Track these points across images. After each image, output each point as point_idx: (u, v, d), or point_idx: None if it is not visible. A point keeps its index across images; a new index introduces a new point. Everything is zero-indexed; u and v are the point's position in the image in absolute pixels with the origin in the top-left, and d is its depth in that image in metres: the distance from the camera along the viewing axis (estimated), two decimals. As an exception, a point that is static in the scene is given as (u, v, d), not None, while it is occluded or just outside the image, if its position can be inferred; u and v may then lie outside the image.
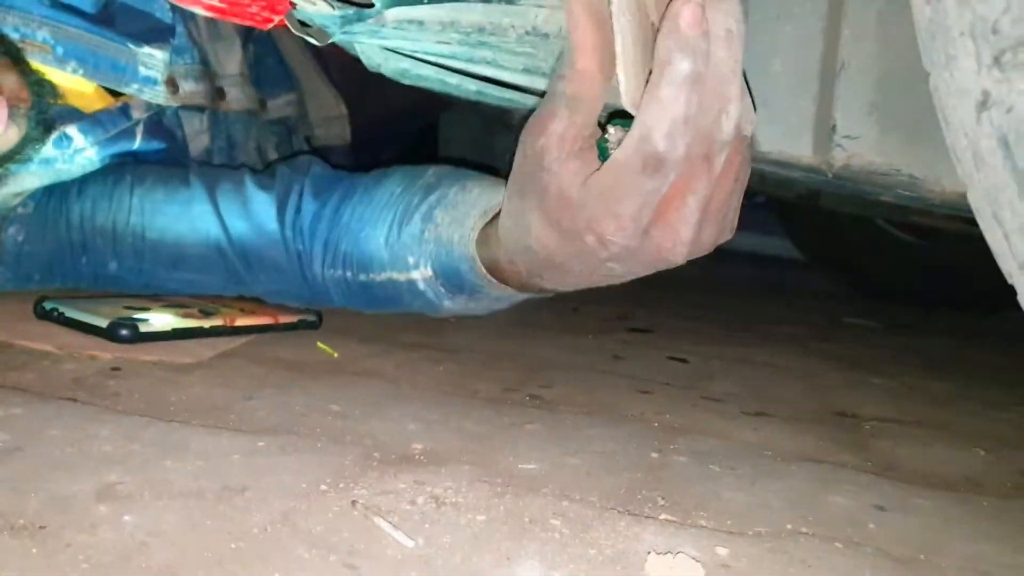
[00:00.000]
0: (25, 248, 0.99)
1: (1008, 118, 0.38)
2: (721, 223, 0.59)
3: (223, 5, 0.76)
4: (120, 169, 1.01)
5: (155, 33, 1.01)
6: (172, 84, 1.03)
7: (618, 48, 0.51)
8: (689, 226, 0.55)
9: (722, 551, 0.53)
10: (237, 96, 1.15)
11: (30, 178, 0.96)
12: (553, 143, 0.56)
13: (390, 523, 0.51)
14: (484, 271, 0.72)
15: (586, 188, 0.55)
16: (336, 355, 0.92)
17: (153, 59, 0.99)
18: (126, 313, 0.85)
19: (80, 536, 0.45)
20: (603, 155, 0.55)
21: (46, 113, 0.87)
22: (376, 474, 0.58)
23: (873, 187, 0.88)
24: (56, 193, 0.99)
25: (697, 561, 0.50)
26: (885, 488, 0.71)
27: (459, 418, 0.75)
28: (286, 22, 0.74)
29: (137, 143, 1.02)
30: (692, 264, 0.62)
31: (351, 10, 0.69)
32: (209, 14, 0.77)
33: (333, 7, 0.68)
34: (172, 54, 1.02)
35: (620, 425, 0.79)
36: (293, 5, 0.70)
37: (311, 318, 0.99)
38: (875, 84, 0.78)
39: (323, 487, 0.55)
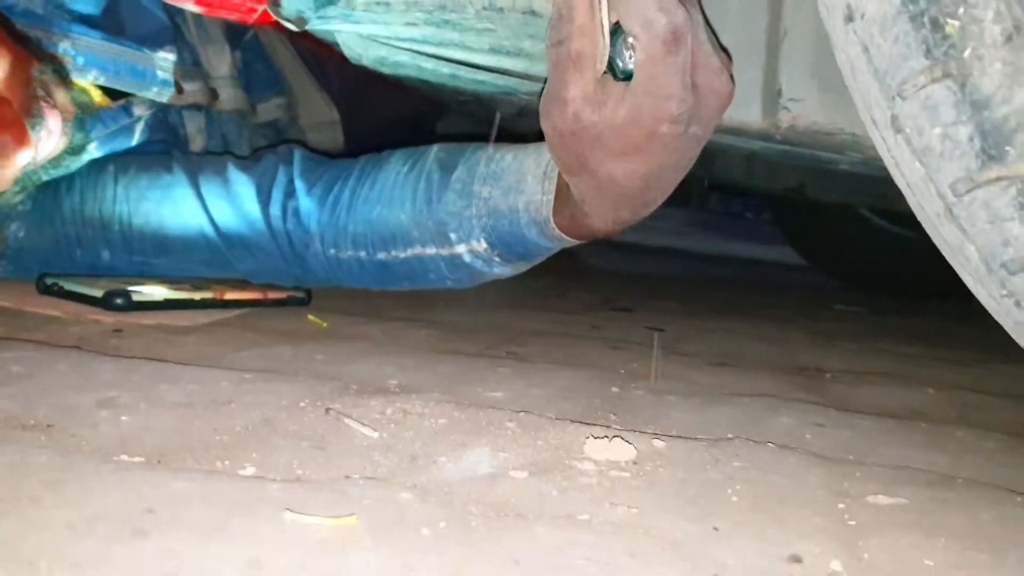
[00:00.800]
0: (25, 243, 1.05)
1: (864, 24, 0.44)
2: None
3: (211, -2, 0.82)
4: (103, 161, 1.07)
5: (162, 35, 1.08)
6: (177, 85, 1.10)
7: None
8: (714, 56, 0.61)
9: (659, 443, 0.59)
10: (229, 96, 1.22)
11: (36, 175, 1.03)
12: (580, 106, 0.60)
13: (359, 422, 0.57)
14: (558, 230, 0.76)
15: (630, 94, 0.59)
16: (325, 325, 0.98)
17: (167, 62, 1.07)
18: (121, 285, 0.92)
19: (82, 430, 0.52)
20: (624, 75, 0.60)
21: (85, 124, 0.95)
22: (352, 397, 0.65)
23: (821, 148, 0.94)
24: (50, 189, 1.06)
25: (632, 446, 0.56)
26: (830, 413, 0.76)
27: (435, 363, 0.81)
28: (268, 10, 0.80)
29: (135, 139, 1.09)
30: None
31: None
32: (199, 9, 0.84)
33: None
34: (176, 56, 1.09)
35: (587, 370, 0.85)
36: (276, 3, 0.77)
37: (300, 295, 1.04)
38: (814, 48, 0.83)
39: (301, 404, 0.61)
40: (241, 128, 1.25)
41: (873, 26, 0.43)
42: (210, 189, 1.02)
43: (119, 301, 0.88)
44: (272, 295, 1.02)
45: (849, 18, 0.46)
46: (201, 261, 1.03)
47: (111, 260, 1.04)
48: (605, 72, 0.60)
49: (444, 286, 0.91)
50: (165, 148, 1.12)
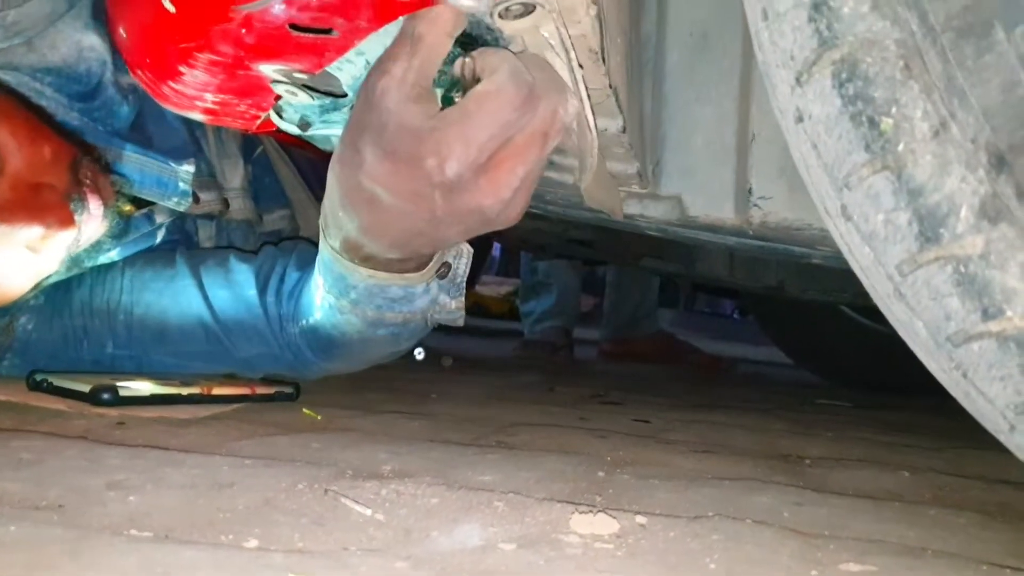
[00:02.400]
0: (34, 336, 1.10)
1: (812, 123, 0.49)
2: (525, 200, 0.68)
3: (216, 107, 0.87)
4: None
5: (184, 148, 1.16)
6: (194, 195, 1.17)
7: (583, 92, 0.64)
8: (511, 189, 0.65)
9: (641, 519, 0.62)
10: (240, 207, 1.29)
11: (54, 273, 1.08)
12: (393, 85, 0.63)
13: (355, 501, 0.60)
14: (327, 246, 0.81)
15: (438, 118, 0.63)
16: (319, 418, 1.01)
17: (187, 174, 1.15)
18: (109, 381, 0.94)
19: (93, 508, 0.54)
20: (447, 103, 0.64)
21: (123, 210, 1.01)
22: (348, 481, 0.67)
23: (792, 242, 0.99)
24: (60, 284, 1.11)
25: (616, 521, 0.59)
26: (808, 494, 0.79)
27: (427, 451, 0.84)
28: (271, 118, 0.85)
29: (157, 243, 1.15)
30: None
31: (327, 100, 0.81)
32: (205, 117, 0.89)
33: (312, 97, 0.80)
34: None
35: (574, 456, 0.88)
36: (279, 98, 0.82)
37: (288, 390, 1.07)
38: (781, 150, 0.89)
39: (300, 486, 0.64)
40: (248, 235, 1.31)
41: (819, 125, 0.48)
42: (211, 278, 1.07)
43: (106, 396, 0.91)
44: (260, 390, 1.05)
45: (799, 119, 0.51)
46: (199, 351, 1.07)
47: (114, 352, 1.08)
48: (439, 88, 0.65)
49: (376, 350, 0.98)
50: (173, 247, 1.18)
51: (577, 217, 1.29)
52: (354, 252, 0.79)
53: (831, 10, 0.45)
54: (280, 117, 0.81)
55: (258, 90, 0.78)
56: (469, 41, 0.66)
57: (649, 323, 2.77)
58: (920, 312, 0.48)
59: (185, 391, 0.98)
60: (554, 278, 2.65)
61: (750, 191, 0.91)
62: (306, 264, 1.04)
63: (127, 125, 1.11)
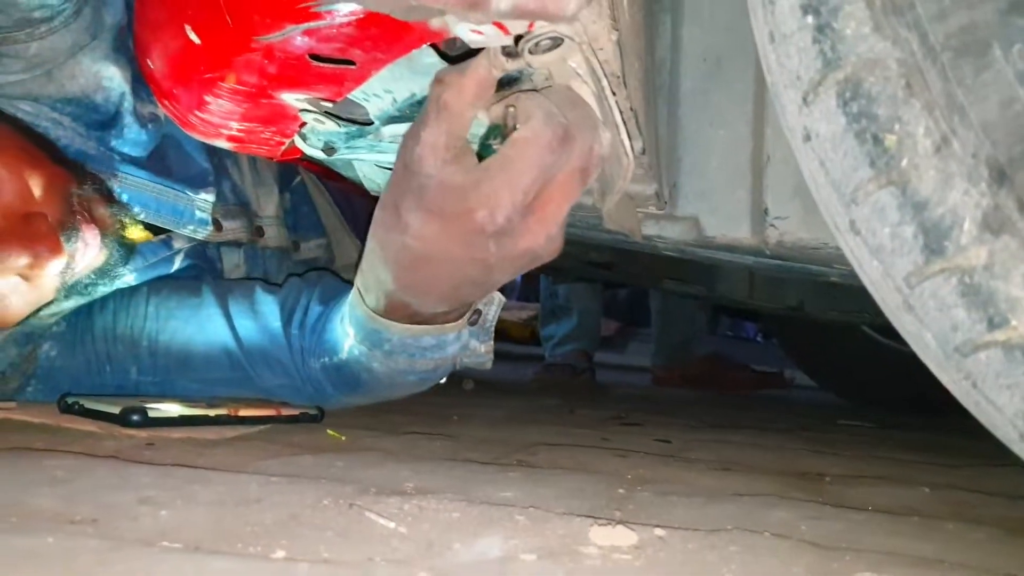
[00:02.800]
0: (57, 363, 1.12)
1: (819, 142, 0.51)
2: (563, 233, 0.71)
3: (241, 135, 0.90)
4: (137, 284, 1.15)
5: (203, 177, 1.19)
6: (216, 223, 1.20)
7: (617, 118, 0.66)
8: (557, 225, 0.68)
9: (660, 532, 0.63)
10: (274, 234, 1.32)
11: (71, 300, 1.10)
12: (427, 152, 0.66)
13: (379, 515, 0.61)
14: (364, 306, 0.85)
15: (480, 170, 0.65)
16: (343, 438, 1.02)
17: (206, 203, 1.18)
18: (138, 403, 0.97)
19: (125, 523, 0.56)
20: (486, 150, 0.67)
21: (125, 238, 1.03)
22: (371, 497, 0.69)
23: (809, 261, 1.00)
24: (82, 311, 1.13)
25: (634, 533, 0.60)
26: (826, 510, 0.80)
27: (449, 469, 0.85)
28: (296, 141, 0.88)
29: (174, 268, 1.17)
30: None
31: (354, 127, 0.83)
32: (230, 145, 0.91)
33: (339, 124, 0.82)
34: (216, 196, 1.19)
35: (594, 475, 0.89)
36: (303, 125, 0.84)
37: (313, 411, 1.09)
38: (796, 171, 0.89)
39: (325, 502, 0.66)
40: (282, 263, 1.33)
41: (826, 143, 0.50)
42: (237, 308, 1.09)
43: (135, 418, 0.93)
44: (285, 412, 1.07)
45: (807, 138, 0.52)
46: (221, 379, 1.08)
47: (137, 378, 1.10)
48: (472, 143, 0.67)
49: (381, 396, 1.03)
50: (198, 275, 1.20)
51: (595, 239, 1.30)
52: (399, 311, 0.83)
53: (834, 32, 0.46)
54: (305, 142, 0.83)
55: (282, 118, 0.80)
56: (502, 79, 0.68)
57: (699, 347, 2.77)
58: (928, 323, 0.49)
59: (212, 412, 1.00)
60: (574, 301, 2.66)
61: (766, 211, 0.91)
62: (330, 298, 1.05)
63: (146, 154, 1.13)
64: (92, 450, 0.81)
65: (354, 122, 0.82)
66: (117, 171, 1.08)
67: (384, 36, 0.65)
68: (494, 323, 0.93)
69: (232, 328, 1.09)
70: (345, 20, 0.64)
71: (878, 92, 0.45)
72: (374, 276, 0.81)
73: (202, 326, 1.09)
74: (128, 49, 1.08)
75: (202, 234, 1.18)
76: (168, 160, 1.16)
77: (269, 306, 1.09)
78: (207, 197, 1.17)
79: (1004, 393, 0.47)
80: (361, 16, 0.64)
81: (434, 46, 0.69)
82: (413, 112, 0.75)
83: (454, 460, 0.92)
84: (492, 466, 0.89)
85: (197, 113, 0.83)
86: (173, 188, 1.14)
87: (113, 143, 1.10)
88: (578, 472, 0.90)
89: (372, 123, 0.81)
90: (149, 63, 0.84)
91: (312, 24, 0.64)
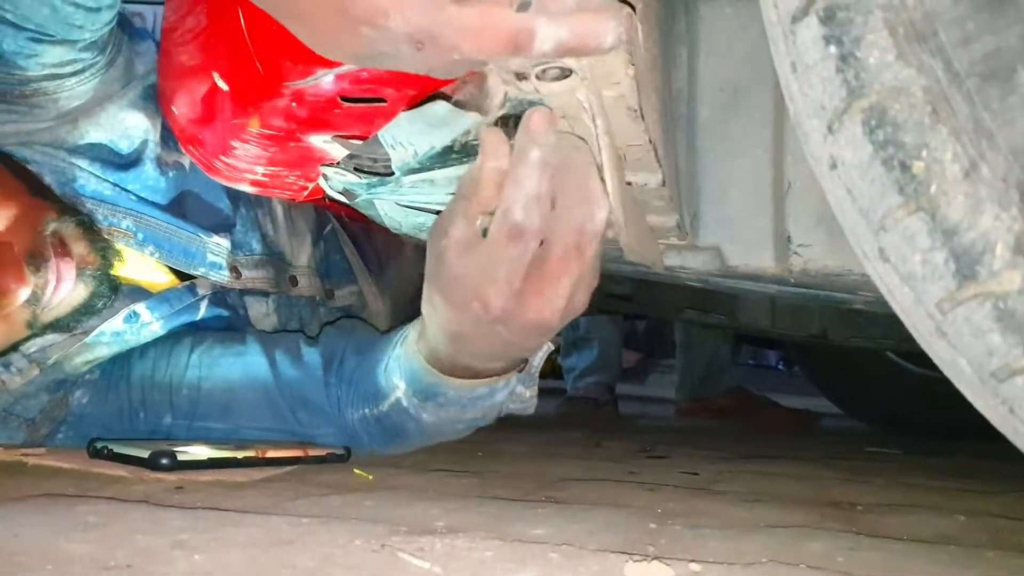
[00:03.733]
0: (88, 409, 1.13)
1: (845, 169, 0.51)
2: (586, 294, 0.72)
3: (265, 179, 0.91)
4: (179, 334, 1.16)
5: (222, 223, 1.20)
6: (235, 271, 1.21)
7: (604, 159, 0.65)
8: (563, 298, 0.69)
9: (695, 567, 0.62)
10: (307, 284, 1.33)
11: (102, 348, 1.11)
12: (452, 245, 0.69)
13: (412, 555, 0.61)
14: (423, 360, 0.87)
15: (468, 263, 0.68)
16: (371, 478, 1.02)
17: (220, 247, 1.19)
18: (167, 447, 0.97)
19: (160, 567, 0.56)
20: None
21: (110, 276, 1.04)
22: (402, 536, 0.69)
23: (834, 288, 1.00)
24: (119, 358, 1.14)
25: (670, 568, 0.60)
26: (862, 540, 0.79)
27: (478, 506, 0.85)
28: (320, 182, 0.88)
29: (200, 315, 1.18)
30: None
31: (375, 178, 0.84)
32: (254, 189, 0.92)
33: (360, 176, 0.82)
34: (234, 246, 1.21)
35: (624, 509, 0.88)
36: (326, 177, 0.85)
37: (340, 451, 1.09)
38: (818, 198, 0.90)
39: (357, 542, 0.66)
40: (315, 311, 1.34)
41: (853, 171, 0.50)
42: (283, 357, 1.11)
43: (165, 461, 0.93)
44: (312, 452, 1.07)
45: (833, 166, 0.52)
46: (262, 426, 1.10)
47: (171, 424, 1.11)
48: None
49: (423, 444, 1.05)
50: (227, 324, 1.21)
51: (616, 271, 1.30)
52: (458, 371, 0.87)
53: (858, 60, 0.47)
54: (327, 182, 0.84)
55: (307, 161, 0.81)
56: (511, 113, 0.68)
57: (724, 379, 2.75)
58: (963, 349, 0.48)
59: (240, 455, 1.00)
60: (595, 333, 2.66)
61: (789, 239, 0.91)
62: (364, 349, 1.06)
63: (165, 201, 1.15)
64: (122, 495, 0.81)
65: (375, 173, 0.83)
66: (133, 210, 1.09)
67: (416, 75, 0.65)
68: (539, 368, 0.96)
69: (277, 376, 1.11)
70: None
71: (904, 119, 0.45)
72: (430, 338, 0.85)
73: (247, 372, 1.11)
74: (156, 99, 1.10)
75: (217, 278, 1.19)
76: (186, 205, 1.18)
77: (312, 356, 1.11)
78: (221, 241, 1.19)
79: (1043, 418, 0.46)
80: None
81: (443, 95, 0.69)
82: (433, 163, 0.76)
83: (482, 497, 0.91)
84: (521, 502, 0.89)
85: (223, 158, 0.83)
86: (187, 230, 1.15)
87: (131, 186, 1.12)
88: (608, 507, 0.89)
89: (392, 174, 0.81)
90: (174, 110, 0.86)
91: (343, 69, 0.64)
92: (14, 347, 1.02)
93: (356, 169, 0.78)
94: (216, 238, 1.18)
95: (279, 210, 1.29)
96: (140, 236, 1.10)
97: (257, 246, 1.25)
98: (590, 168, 0.65)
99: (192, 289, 1.17)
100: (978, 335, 0.46)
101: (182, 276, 1.17)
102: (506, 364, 0.88)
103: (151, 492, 0.84)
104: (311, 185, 0.89)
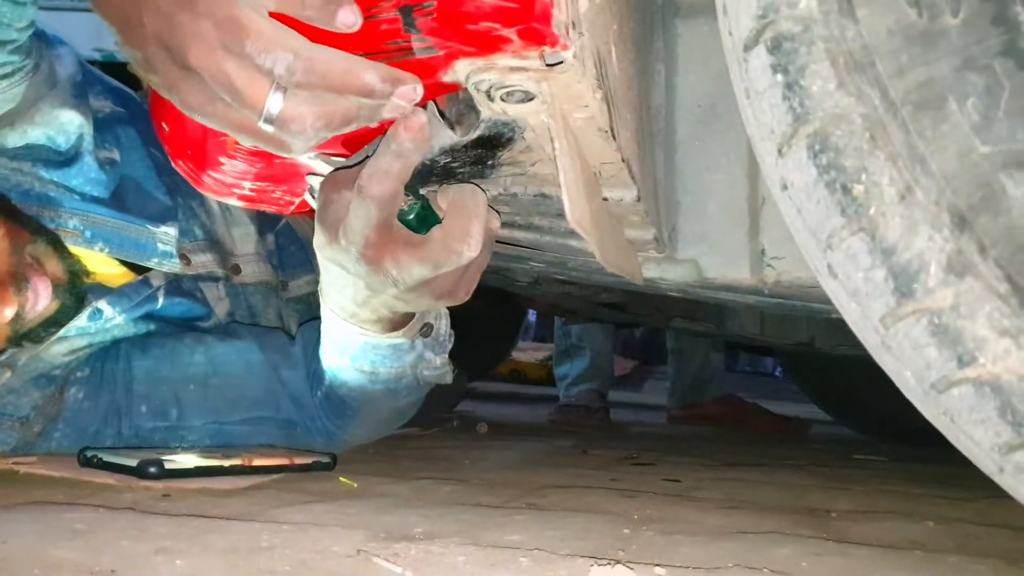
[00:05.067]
0: (84, 405, 1.17)
1: (794, 191, 0.53)
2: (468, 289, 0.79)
3: (253, 194, 0.93)
4: (180, 333, 1.23)
5: (165, 214, 1.24)
6: (184, 258, 1.26)
7: (561, 179, 0.67)
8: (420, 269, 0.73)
9: (660, 571, 0.65)
10: (253, 271, 1.37)
11: (73, 340, 1.15)
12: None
13: (386, 560, 0.63)
14: (329, 311, 0.91)
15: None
16: (356, 485, 1.04)
17: (168, 236, 1.23)
18: (155, 456, 0.99)
19: (143, 572, 0.58)
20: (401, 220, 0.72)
21: (78, 288, 1.10)
22: (380, 542, 0.71)
23: (809, 299, 1.02)
24: (111, 357, 1.19)
25: (633, 572, 0.62)
26: (829, 545, 0.81)
27: (458, 514, 0.87)
28: (306, 197, 0.90)
29: (159, 304, 1.23)
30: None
31: None
32: (242, 203, 0.94)
33: None
34: (180, 233, 1.25)
35: (601, 515, 0.90)
36: (312, 191, 0.87)
37: (325, 459, 1.11)
38: (791, 211, 0.92)
39: (335, 548, 0.68)
40: (269, 299, 1.38)
41: (800, 192, 0.52)
42: (277, 356, 1.22)
43: (152, 470, 0.96)
44: (298, 460, 1.09)
45: (784, 187, 0.55)
46: (267, 415, 1.20)
47: (177, 416, 1.17)
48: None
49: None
50: (188, 307, 1.26)
51: (601, 281, 1.33)
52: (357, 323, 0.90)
53: (802, 88, 0.49)
54: (313, 198, 0.86)
55: (293, 177, 0.83)
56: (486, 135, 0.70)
57: (715, 386, 2.77)
58: (906, 362, 0.51)
59: (227, 463, 1.02)
60: (587, 341, 2.68)
61: (763, 252, 0.93)
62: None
63: (108, 193, 1.19)
64: (110, 502, 0.83)
65: None
66: (79, 209, 1.14)
67: None
68: (447, 336, 1.01)
69: (276, 372, 1.19)
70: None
71: (844, 145, 0.48)
72: (325, 287, 0.88)
73: (250, 369, 1.19)
74: (85, 98, 1.16)
75: (169, 267, 1.23)
76: (127, 199, 1.21)
77: (298, 353, 1.20)
78: (168, 231, 1.23)
79: (979, 428, 0.49)
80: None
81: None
82: (414, 183, 0.78)
83: (464, 504, 0.93)
84: (501, 510, 0.91)
85: (211, 173, 0.86)
86: (134, 223, 1.20)
87: (74, 183, 1.15)
88: (586, 513, 0.91)
89: None
90: (164, 126, 0.88)
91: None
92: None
93: None
94: (164, 227, 1.22)
95: (212, 202, 1.34)
96: (88, 234, 1.15)
97: (199, 231, 1.30)
98: (475, 213, 0.71)
99: (147, 282, 1.21)
100: (917, 349, 0.49)
101: (133, 267, 1.21)
102: (392, 316, 0.89)
103: (139, 500, 0.86)
104: (297, 200, 0.91)
